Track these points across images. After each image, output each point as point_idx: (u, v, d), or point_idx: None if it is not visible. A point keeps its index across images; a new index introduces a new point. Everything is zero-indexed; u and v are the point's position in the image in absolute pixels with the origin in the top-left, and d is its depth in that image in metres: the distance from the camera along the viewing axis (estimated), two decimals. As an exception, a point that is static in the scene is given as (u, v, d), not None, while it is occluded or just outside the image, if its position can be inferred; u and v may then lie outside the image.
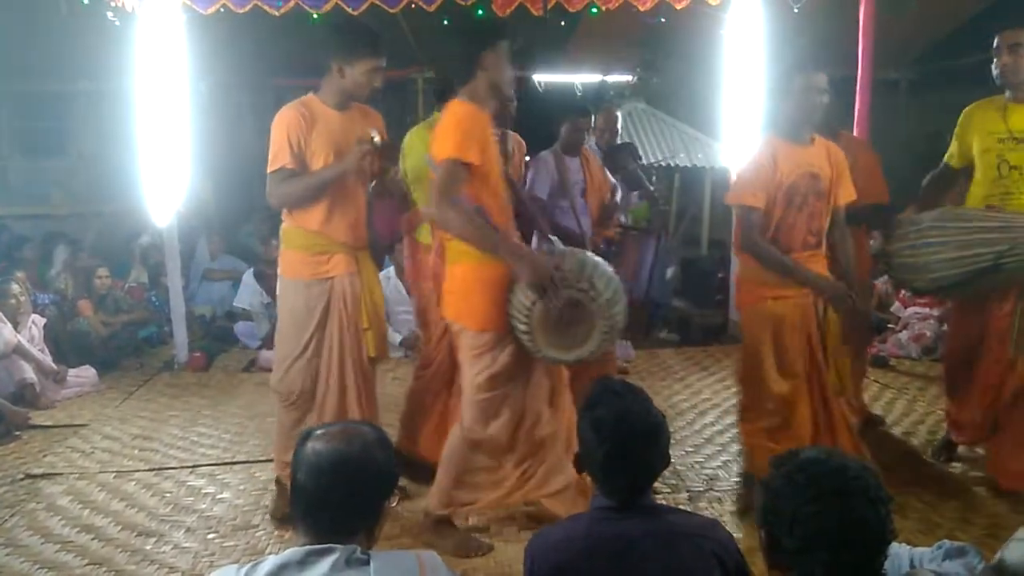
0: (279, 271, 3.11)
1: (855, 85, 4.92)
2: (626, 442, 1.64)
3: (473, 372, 2.71)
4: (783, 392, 2.88)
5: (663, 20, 5.90)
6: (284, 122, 2.90)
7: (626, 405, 1.69)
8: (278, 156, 2.89)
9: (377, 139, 2.89)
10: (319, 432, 1.51)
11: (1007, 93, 3.05)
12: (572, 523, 1.74)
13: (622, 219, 4.45)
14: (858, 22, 4.92)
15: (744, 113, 5.56)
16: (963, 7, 7.41)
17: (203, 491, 3.51)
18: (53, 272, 6.40)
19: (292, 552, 1.40)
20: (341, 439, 1.48)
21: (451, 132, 2.56)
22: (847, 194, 3.02)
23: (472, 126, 2.55)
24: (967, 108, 3.22)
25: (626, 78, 8.59)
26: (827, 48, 6.61)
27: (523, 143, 3.88)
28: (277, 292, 3.23)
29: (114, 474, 3.70)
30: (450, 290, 2.73)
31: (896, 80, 8.57)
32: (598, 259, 2.67)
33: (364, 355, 3.04)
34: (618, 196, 4.36)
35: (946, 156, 3.37)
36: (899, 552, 1.58)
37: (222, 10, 4.86)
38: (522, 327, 2.55)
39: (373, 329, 3.06)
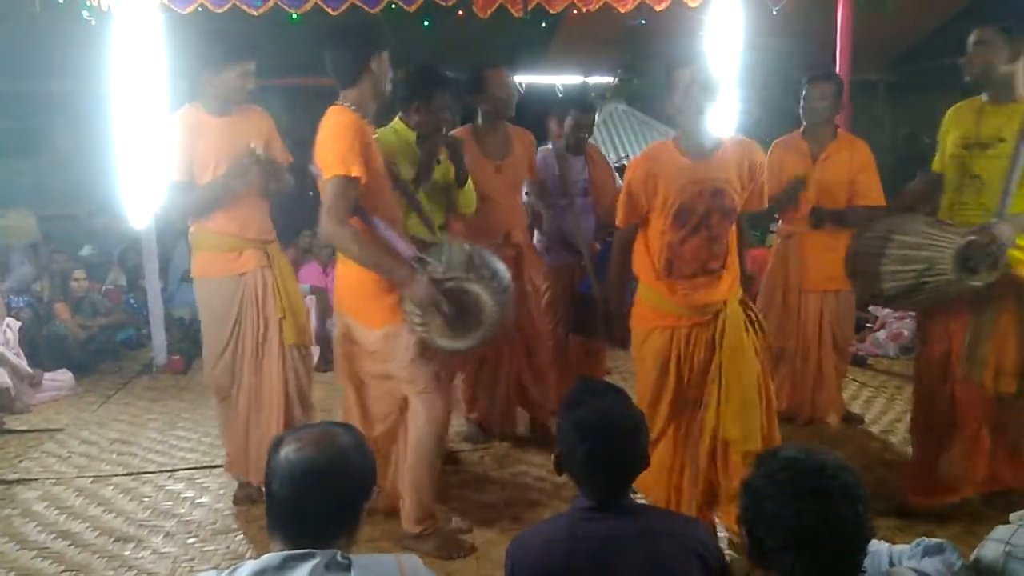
0: (192, 273, 3.26)
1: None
2: (607, 441, 1.63)
3: (392, 369, 2.77)
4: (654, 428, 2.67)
5: (643, 22, 5.94)
6: (172, 132, 3.07)
7: (607, 405, 1.69)
8: (169, 167, 3.05)
9: (259, 152, 3.00)
10: (292, 438, 1.47)
11: (984, 94, 2.84)
12: (552, 524, 1.74)
13: None
14: (836, 24, 4.97)
15: (723, 114, 5.59)
16: (941, 9, 7.51)
17: (182, 495, 3.47)
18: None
19: (270, 557, 1.38)
20: (314, 446, 1.44)
21: (332, 146, 2.53)
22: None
23: (353, 138, 2.52)
24: (950, 109, 3.03)
25: (607, 79, 8.63)
26: (806, 49, 6.70)
27: (527, 136, 3.79)
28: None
29: (91, 479, 3.65)
30: (345, 286, 2.80)
31: (875, 82, 8.66)
32: (485, 251, 2.71)
33: (284, 344, 3.16)
34: None
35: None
36: (878, 550, 1.59)
37: (200, 10, 4.83)
38: (416, 319, 2.63)
39: (289, 318, 3.17)
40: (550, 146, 4.06)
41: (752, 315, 2.72)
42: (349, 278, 2.76)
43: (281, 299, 3.15)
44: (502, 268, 2.68)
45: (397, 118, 3.29)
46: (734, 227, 2.68)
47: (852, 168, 3.74)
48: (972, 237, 2.57)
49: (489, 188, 3.53)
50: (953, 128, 2.93)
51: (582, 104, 4.09)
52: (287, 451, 1.44)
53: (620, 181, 4.41)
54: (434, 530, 2.89)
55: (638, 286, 2.78)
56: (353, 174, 2.50)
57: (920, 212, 3.01)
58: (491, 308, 2.59)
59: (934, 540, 1.60)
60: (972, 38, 2.77)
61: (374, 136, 2.73)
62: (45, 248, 6.75)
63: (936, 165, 3.05)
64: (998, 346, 2.77)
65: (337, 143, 2.52)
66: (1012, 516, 1.63)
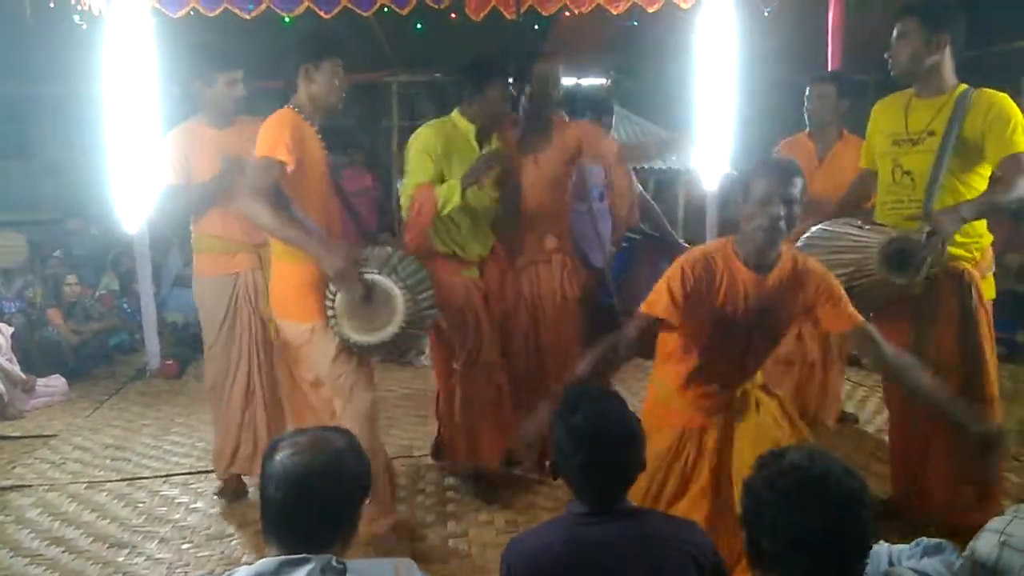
0: (193, 274, 3.43)
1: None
2: (603, 448, 1.62)
3: (314, 367, 2.83)
4: None
5: (635, 23, 5.94)
6: (172, 144, 3.26)
7: (603, 410, 1.67)
8: (166, 176, 3.26)
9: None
10: (286, 443, 1.47)
11: (913, 87, 2.75)
12: (548, 528, 1.72)
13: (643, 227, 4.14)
14: (827, 24, 4.99)
15: (717, 116, 5.61)
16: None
17: (177, 500, 3.46)
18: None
19: (265, 563, 1.37)
20: (310, 451, 1.44)
21: (267, 133, 2.69)
22: None
23: (288, 131, 2.66)
24: (876, 104, 2.91)
25: (600, 81, 8.64)
26: (798, 50, 6.72)
27: (571, 129, 3.44)
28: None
29: (85, 485, 3.64)
30: (276, 288, 2.89)
31: (865, 81, 8.70)
32: (411, 258, 2.79)
33: (270, 342, 3.28)
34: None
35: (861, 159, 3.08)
36: (878, 551, 1.59)
37: (192, 13, 4.81)
38: (329, 311, 2.70)
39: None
40: None
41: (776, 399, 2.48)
42: (279, 278, 2.86)
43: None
44: (423, 275, 2.76)
45: (456, 111, 3.25)
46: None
47: (857, 168, 3.74)
48: (893, 235, 2.57)
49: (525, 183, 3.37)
50: (881, 124, 2.86)
51: (600, 105, 3.94)
52: (282, 456, 1.43)
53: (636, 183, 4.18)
54: (394, 525, 2.92)
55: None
56: (278, 157, 2.63)
57: (861, 213, 2.98)
58: (402, 305, 2.65)
59: (933, 540, 1.60)
60: (895, 31, 2.71)
61: (316, 137, 2.80)
62: (36, 254, 6.72)
63: (863, 162, 3.02)
64: (937, 346, 2.68)
65: (269, 131, 2.68)
66: (1008, 507, 1.63)
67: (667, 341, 2.43)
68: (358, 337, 2.70)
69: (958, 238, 2.62)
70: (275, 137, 2.65)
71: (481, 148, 3.20)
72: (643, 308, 2.32)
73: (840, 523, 1.28)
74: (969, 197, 2.64)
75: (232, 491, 3.42)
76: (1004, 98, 2.63)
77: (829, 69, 4.97)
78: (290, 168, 2.64)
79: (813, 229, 2.85)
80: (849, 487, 1.31)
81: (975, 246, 2.74)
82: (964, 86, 2.68)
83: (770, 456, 1.41)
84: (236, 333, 3.29)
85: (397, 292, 2.66)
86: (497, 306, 3.33)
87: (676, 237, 4.19)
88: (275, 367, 3.29)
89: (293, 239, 2.66)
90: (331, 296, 2.70)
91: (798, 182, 2.19)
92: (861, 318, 2.29)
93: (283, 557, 1.37)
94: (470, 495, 3.38)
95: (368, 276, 2.66)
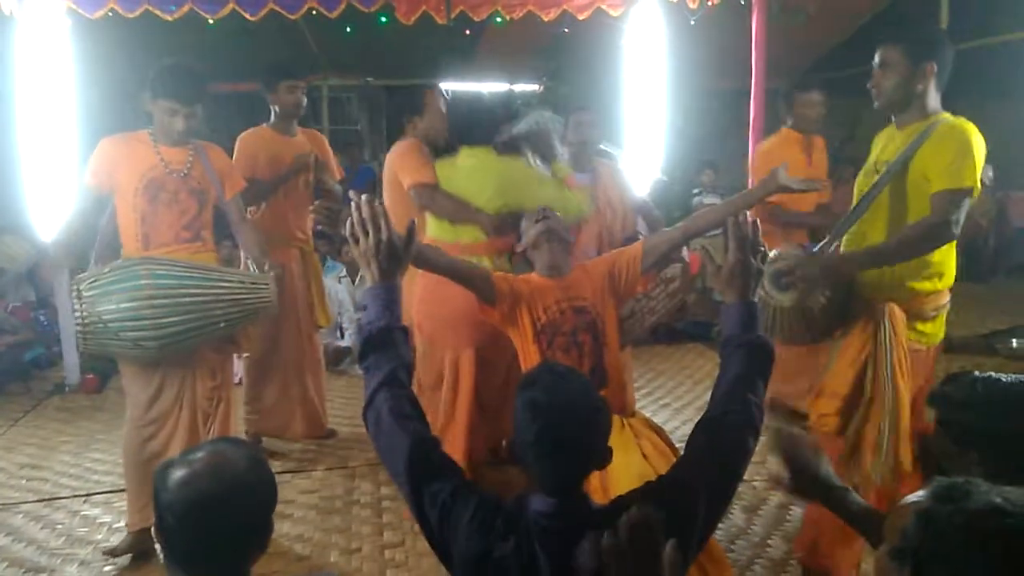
0: None
1: (750, 96, 5.13)
2: (560, 422, 1.47)
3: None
4: None
5: (566, 30, 6.00)
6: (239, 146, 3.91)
7: (564, 384, 1.53)
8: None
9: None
10: (181, 467, 1.35)
11: (895, 117, 2.62)
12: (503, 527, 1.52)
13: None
14: (751, 34, 5.12)
15: (645, 121, 5.71)
16: (848, 22, 7.85)
17: (98, 521, 3.32)
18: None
19: None
20: (208, 475, 1.33)
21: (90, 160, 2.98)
22: None
23: (100, 153, 2.98)
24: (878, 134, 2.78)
25: (533, 87, 8.69)
26: (724, 58, 6.89)
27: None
28: None
29: (-2, 507, 3.47)
30: None
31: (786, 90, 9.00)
32: (130, 266, 2.85)
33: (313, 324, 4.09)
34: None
35: None
36: None
37: (110, 14, 4.65)
38: None
39: (319, 305, 4.09)
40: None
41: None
42: None
43: (313, 288, 4.03)
44: (118, 288, 2.78)
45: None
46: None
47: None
48: (782, 255, 2.55)
49: None
50: (871, 153, 2.74)
51: (580, 105, 3.53)
52: (178, 484, 1.33)
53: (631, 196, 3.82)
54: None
55: None
56: (87, 182, 3.01)
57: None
58: (78, 316, 2.77)
59: None
60: (876, 59, 2.53)
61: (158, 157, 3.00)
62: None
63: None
64: (835, 369, 2.59)
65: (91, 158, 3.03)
66: None
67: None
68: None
69: (881, 275, 2.51)
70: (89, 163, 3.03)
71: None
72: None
73: None
74: None
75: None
76: (964, 130, 2.42)
77: (752, 78, 5.10)
78: (99, 189, 3.02)
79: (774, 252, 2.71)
80: None
81: (913, 282, 2.53)
82: (942, 115, 2.50)
83: (951, 488, 1.16)
84: (281, 316, 3.63)
85: (75, 302, 2.78)
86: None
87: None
88: (308, 344, 4.02)
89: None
90: None
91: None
92: (639, 241, 2.69)
93: None
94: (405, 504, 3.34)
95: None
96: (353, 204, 1.71)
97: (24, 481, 3.76)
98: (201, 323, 2.86)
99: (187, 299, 2.81)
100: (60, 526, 3.28)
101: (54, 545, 3.12)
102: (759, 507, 3.25)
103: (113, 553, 2.96)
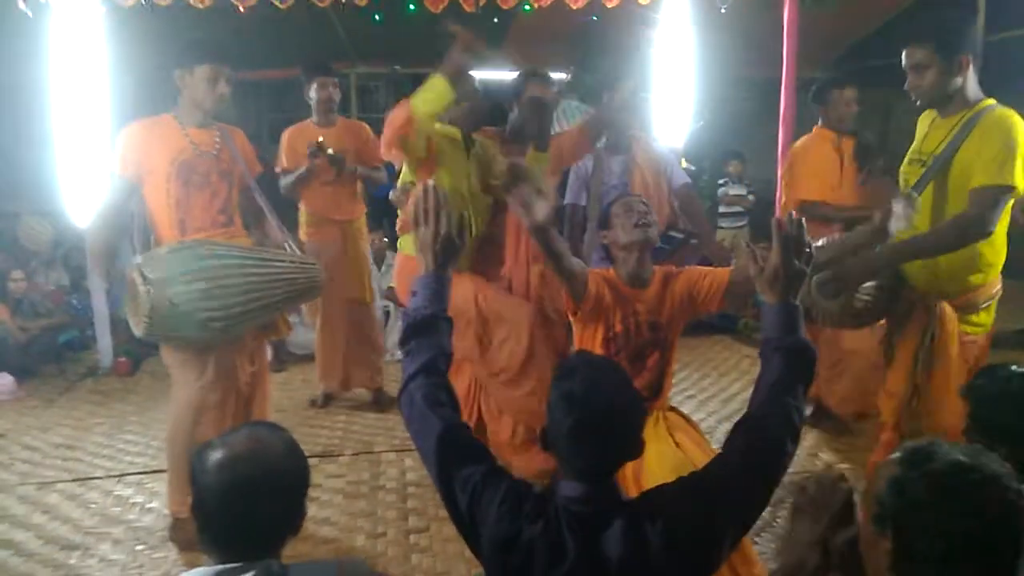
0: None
1: (780, 85, 5.07)
2: (596, 415, 1.48)
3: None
4: None
5: (596, 18, 5.95)
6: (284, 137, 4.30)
7: (601, 376, 1.54)
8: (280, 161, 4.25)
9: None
10: (219, 450, 1.38)
11: (937, 108, 2.61)
12: (531, 510, 1.54)
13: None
14: (782, 22, 5.05)
15: (674, 109, 5.66)
16: (883, 8, 7.70)
17: (131, 501, 3.39)
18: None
19: (201, 572, 1.33)
20: (247, 458, 1.36)
21: (116, 149, 2.93)
22: None
23: (127, 141, 2.92)
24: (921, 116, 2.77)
25: (560, 75, 8.64)
26: (754, 47, 6.81)
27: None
28: None
29: (35, 486, 3.55)
30: None
31: (820, 79, 8.86)
32: (192, 247, 2.78)
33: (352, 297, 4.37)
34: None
35: None
36: None
37: (143, 2, 4.70)
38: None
39: (357, 280, 4.38)
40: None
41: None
42: None
43: (352, 264, 4.32)
44: (183, 270, 2.70)
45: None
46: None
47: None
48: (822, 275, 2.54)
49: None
50: (913, 140, 2.72)
51: (615, 86, 3.44)
52: (217, 465, 1.36)
53: (674, 180, 3.81)
54: (183, 516, 2.93)
55: None
56: (120, 173, 2.92)
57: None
58: (145, 300, 2.67)
59: None
60: (907, 60, 2.51)
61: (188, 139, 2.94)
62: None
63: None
64: (894, 367, 2.65)
65: (117, 145, 2.94)
66: None
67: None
68: (133, 328, 2.83)
69: (934, 271, 2.51)
70: (120, 150, 2.95)
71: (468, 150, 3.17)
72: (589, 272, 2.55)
73: (1011, 533, 1.18)
74: None
75: (324, 398, 4.50)
76: (1011, 124, 2.39)
77: (784, 66, 5.03)
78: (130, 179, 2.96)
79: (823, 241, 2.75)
80: (1016, 490, 1.20)
81: (966, 276, 2.55)
82: (988, 102, 2.48)
83: (916, 452, 1.27)
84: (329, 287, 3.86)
85: (140, 286, 2.67)
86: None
87: (710, 238, 4.05)
88: (352, 312, 4.36)
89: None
90: None
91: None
92: (727, 269, 2.58)
93: (219, 567, 1.33)
94: (432, 490, 3.38)
95: (127, 270, 2.75)
96: (419, 189, 1.73)
97: (59, 461, 3.85)
98: (263, 303, 2.87)
99: (252, 278, 2.81)
100: (94, 505, 3.35)
101: (88, 524, 3.19)
102: (784, 500, 3.23)
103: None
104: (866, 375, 3.64)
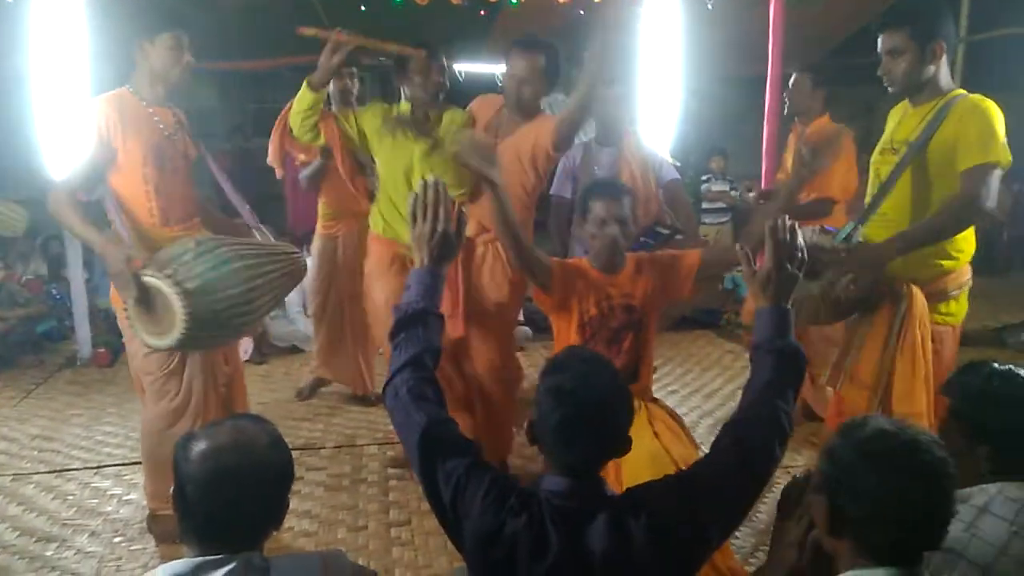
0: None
1: (766, 82, 5.08)
2: (584, 408, 1.48)
3: (133, 355, 2.85)
4: None
5: (582, 12, 5.94)
6: None
7: (590, 371, 1.54)
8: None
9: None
10: (203, 440, 1.37)
11: (910, 97, 2.63)
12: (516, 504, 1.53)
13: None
14: (768, 20, 5.06)
15: (660, 105, 5.66)
16: (867, 7, 7.75)
17: (109, 492, 3.36)
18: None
19: (180, 565, 1.32)
20: (231, 450, 1.35)
21: (85, 128, 2.66)
22: None
23: (97, 121, 2.64)
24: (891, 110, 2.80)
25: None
26: (741, 44, 6.83)
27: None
28: None
29: (11, 477, 3.50)
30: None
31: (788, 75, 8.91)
32: (223, 247, 2.59)
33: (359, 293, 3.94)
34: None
35: None
36: None
37: (127, -12, 4.64)
38: (125, 312, 2.62)
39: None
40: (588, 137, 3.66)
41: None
42: None
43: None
44: (220, 273, 2.53)
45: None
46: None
47: None
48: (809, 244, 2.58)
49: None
50: (884, 130, 2.74)
51: (607, 81, 3.45)
52: (200, 454, 1.35)
53: (663, 176, 3.84)
54: (162, 513, 2.88)
55: None
56: (87, 154, 2.65)
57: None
58: (180, 308, 2.45)
59: None
60: (883, 45, 2.53)
61: (155, 118, 2.75)
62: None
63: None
64: (863, 357, 2.65)
65: (87, 124, 2.67)
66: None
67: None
68: (150, 340, 2.58)
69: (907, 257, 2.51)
70: (86, 131, 2.67)
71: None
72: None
73: (931, 492, 1.28)
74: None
75: (311, 388, 4.49)
76: (984, 106, 2.44)
77: (770, 62, 5.05)
78: (100, 160, 2.66)
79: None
80: (939, 455, 1.30)
81: (935, 260, 2.57)
82: (959, 91, 2.52)
83: (851, 424, 1.39)
84: (338, 280, 4.23)
85: (174, 297, 2.45)
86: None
87: (695, 234, 4.09)
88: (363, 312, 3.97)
89: (78, 234, 2.69)
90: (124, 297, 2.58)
91: (627, 202, 2.55)
92: (698, 250, 2.66)
93: (200, 559, 1.32)
94: (414, 483, 3.37)
95: (146, 279, 2.47)
96: (420, 183, 1.71)
97: (36, 452, 3.80)
98: (274, 297, 2.80)
99: (268, 276, 2.69)
100: (71, 497, 3.32)
101: (65, 516, 3.16)
102: (764, 494, 3.26)
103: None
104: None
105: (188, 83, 2.77)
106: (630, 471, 2.25)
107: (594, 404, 1.49)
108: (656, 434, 2.44)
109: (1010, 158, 2.43)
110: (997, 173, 2.42)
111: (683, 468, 2.15)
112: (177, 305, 2.45)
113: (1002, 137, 2.40)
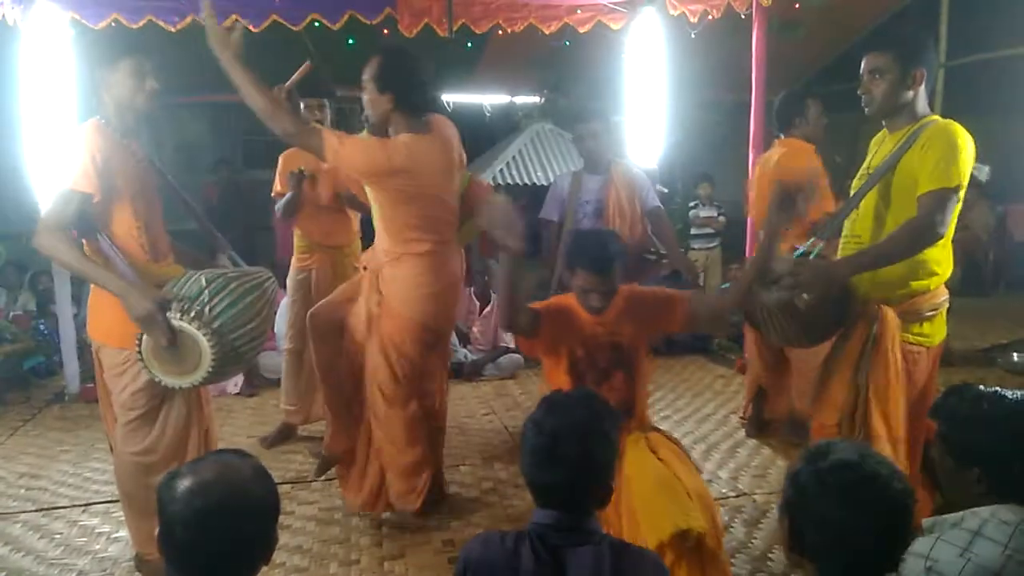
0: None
1: (749, 108, 5.15)
2: (556, 442, 1.52)
3: (117, 391, 2.72)
4: None
5: (567, 43, 6.02)
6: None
7: (572, 404, 1.61)
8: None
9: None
10: (188, 477, 1.35)
11: (886, 122, 2.66)
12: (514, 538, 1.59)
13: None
14: (751, 47, 5.15)
15: (646, 134, 5.72)
16: (848, 34, 7.90)
17: (97, 531, 3.31)
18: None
19: None
20: (216, 486, 1.33)
21: (71, 160, 2.52)
22: None
23: (88, 154, 2.51)
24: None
25: (534, 99, 8.72)
26: (723, 71, 6.92)
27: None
28: None
29: (-3, 517, 3.46)
30: (95, 309, 2.71)
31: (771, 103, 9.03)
32: (232, 283, 2.57)
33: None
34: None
35: None
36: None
37: (113, 24, 4.67)
38: (136, 352, 2.54)
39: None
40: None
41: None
42: (98, 300, 2.67)
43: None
44: (242, 307, 2.53)
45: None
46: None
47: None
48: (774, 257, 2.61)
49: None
50: (867, 157, 2.76)
51: (582, 118, 3.88)
52: (186, 491, 1.33)
53: (647, 203, 4.04)
54: (151, 558, 2.80)
55: None
56: (80, 190, 2.50)
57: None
58: (208, 351, 2.45)
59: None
60: (865, 65, 2.57)
61: (131, 149, 2.66)
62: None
63: None
64: (836, 378, 2.63)
65: (74, 158, 2.53)
66: (925, 523, 1.68)
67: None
68: (169, 380, 2.55)
69: (876, 275, 2.53)
70: (82, 165, 2.50)
71: None
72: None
73: (886, 524, 1.33)
74: None
75: (280, 435, 4.29)
76: (951, 131, 2.45)
77: (753, 91, 5.13)
78: (95, 196, 2.53)
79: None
80: (896, 489, 1.35)
81: (908, 281, 2.55)
82: (931, 118, 2.55)
83: (817, 450, 1.44)
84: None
85: (202, 338, 2.45)
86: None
87: (679, 255, 4.22)
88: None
89: (91, 276, 2.55)
90: (137, 337, 2.52)
91: (614, 274, 2.54)
92: (688, 293, 2.69)
93: None
94: (405, 516, 3.34)
95: (175, 323, 2.45)
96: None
97: (23, 490, 3.75)
98: (269, 327, 2.79)
99: (269, 303, 2.70)
100: (58, 536, 3.27)
101: (52, 555, 3.10)
102: (759, 520, 3.24)
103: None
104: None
105: (156, 111, 2.69)
106: (638, 494, 2.28)
107: (566, 435, 1.54)
108: (661, 459, 2.44)
109: (965, 180, 2.44)
110: (954, 198, 2.44)
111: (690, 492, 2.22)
112: (205, 346, 2.44)
113: (965, 161, 2.42)
